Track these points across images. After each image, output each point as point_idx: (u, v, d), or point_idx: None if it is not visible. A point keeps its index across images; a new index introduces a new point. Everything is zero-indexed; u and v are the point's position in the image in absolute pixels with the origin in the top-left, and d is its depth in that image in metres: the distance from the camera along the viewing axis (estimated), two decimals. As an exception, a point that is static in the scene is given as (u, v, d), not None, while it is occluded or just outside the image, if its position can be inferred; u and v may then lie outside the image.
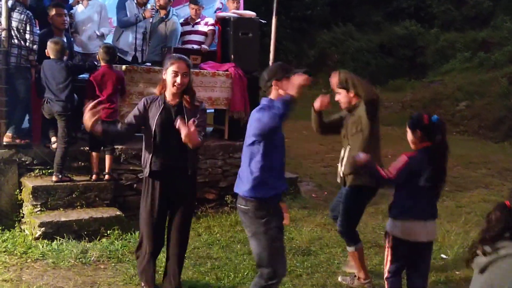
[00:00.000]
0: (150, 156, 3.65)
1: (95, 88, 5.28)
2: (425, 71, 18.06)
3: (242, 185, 3.28)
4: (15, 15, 5.36)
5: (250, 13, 7.16)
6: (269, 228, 3.24)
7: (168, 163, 3.66)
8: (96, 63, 5.98)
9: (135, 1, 6.94)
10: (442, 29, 19.53)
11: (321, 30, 20.94)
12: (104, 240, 4.93)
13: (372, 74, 18.49)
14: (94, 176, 5.41)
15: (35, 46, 5.54)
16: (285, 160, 3.40)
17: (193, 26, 7.22)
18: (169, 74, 3.58)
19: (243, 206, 3.29)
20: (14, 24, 5.34)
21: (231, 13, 7.10)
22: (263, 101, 3.31)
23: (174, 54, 3.84)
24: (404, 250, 3.60)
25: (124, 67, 5.98)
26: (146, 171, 3.68)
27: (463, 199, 7.37)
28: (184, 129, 3.29)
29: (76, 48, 6.49)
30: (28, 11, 5.50)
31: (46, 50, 5.31)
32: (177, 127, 3.35)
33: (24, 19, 5.40)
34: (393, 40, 19.49)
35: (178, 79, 3.56)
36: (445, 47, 18.39)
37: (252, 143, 3.21)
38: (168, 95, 3.66)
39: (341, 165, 4.26)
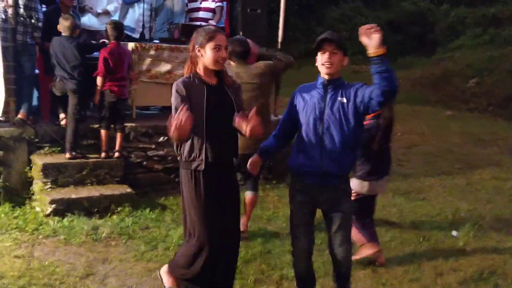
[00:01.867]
0: (203, 145, 3.10)
1: (109, 65, 5.24)
2: (434, 48, 17.84)
3: None
4: None
5: (259, -11, 7.05)
6: None
7: (222, 152, 3.17)
8: (104, 40, 5.95)
9: (140, -23, 6.88)
10: (452, 5, 19.24)
11: (329, 7, 20.69)
12: (114, 217, 4.95)
13: (380, 51, 18.32)
14: (103, 154, 5.41)
15: (39, 24, 5.51)
16: None
17: (200, 3, 7.13)
18: (210, 49, 3.07)
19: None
20: (19, 1, 5.28)
21: (239, -12, 7.00)
22: None
23: (207, 27, 3.33)
24: (370, 204, 4.35)
25: (132, 44, 5.93)
26: (200, 164, 3.11)
27: (474, 176, 7.33)
28: (248, 121, 2.95)
29: (83, 25, 6.43)
30: None
31: (58, 26, 5.25)
32: (236, 124, 3.04)
33: None
34: (402, 17, 19.24)
35: (223, 53, 3.14)
36: (455, 23, 18.14)
37: None
38: (205, 74, 3.17)
39: None
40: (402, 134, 9.79)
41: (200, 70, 3.17)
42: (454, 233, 5.05)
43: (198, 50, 3.12)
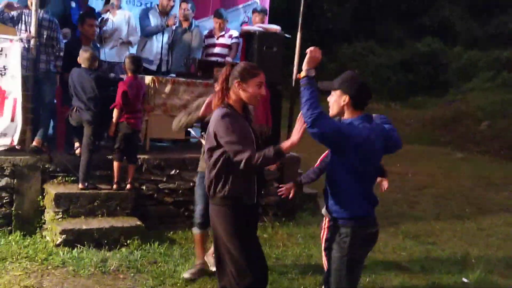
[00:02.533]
0: (252, 177, 3.15)
1: (127, 97, 5.33)
2: (446, 89, 17.93)
3: None
4: (44, 22, 5.45)
5: (275, 27, 7.18)
6: None
7: (261, 185, 3.26)
8: (122, 72, 6.08)
9: (158, 11, 7.03)
10: (465, 47, 19.42)
11: (342, 44, 20.96)
12: (123, 249, 4.95)
13: (392, 90, 18.44)
14: (115, 186, 5.44)
15: (61, 53, 5.66)
16: None
17: (217, 39, 7.26)
18: (253, 85, 3.13)
19: None
20: (43, 31, 5.43)
21: (256, 27, 7.13)
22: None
23: (251, 63, 3.43)
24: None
25: (149, 78, 6.05)
26: (250, 198, 3.14)
27: (485, 221, 7.27)
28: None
29: (103, 57, 6.56)
30: (55, 19, 5.61)
31: (78, 58, 5.38)
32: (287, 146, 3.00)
33: (53, 27, 5.51)
34: (415, 57, 19.42)
35: (263, 91, 3.22)
36: (468, 65, 18.27)
37: None
38: (236, 106, 3.19)
39: None
40: (412, 175, 9.76)
41: (232, 102, 3.18)
42: (464, 279, 4.98)
43: (239, 84, 3.14)
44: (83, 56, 5.36)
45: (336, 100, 3.10)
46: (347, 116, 3.09)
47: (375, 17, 21.53)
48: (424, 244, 6.11)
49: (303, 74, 3.05)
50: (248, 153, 2.97)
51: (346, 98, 3.05)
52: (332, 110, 3.13)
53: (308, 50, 3.06)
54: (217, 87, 3.31)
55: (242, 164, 2.97)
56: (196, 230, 4.51)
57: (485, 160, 12.35)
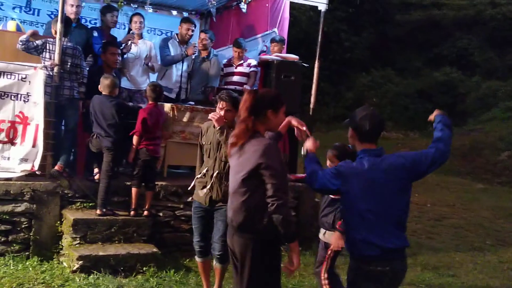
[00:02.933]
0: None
1: (147, 125, 5.39)
2: (465, 119, 17.79)
3: None
4: (68, 50, 5.58)
5: (293, 57, 7.25)
6: None
7: None
8: (141, 100, 6.18)
9: (177, 40, 7.15)
10: (484, 77, 19.31)
11: (359, 73, 21.03)
12: (139, 276, 4.93)
13: (410, 119, 18.35)
14: (132, 212, 5.47)
15: (84, 80, 5.79)
16: None
17: (235, 68, 7.35)
18: (282, 113, 3.22)
19: None
20: (67, 59, 5.56)
21: (274, 55, 7.21)
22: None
23: (276, 91, 3.51)
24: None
25: (169, 105, 6.13)
26: None
27: (506, 254, 7.11)
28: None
29: (123, 85, 6.67)
30: (78, 47, 5.76)
31: (99, 86, 5.49)
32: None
33: (76, 54, 5.65)
34: (433, 86, 19.35)
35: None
36: (487, 95, 18.14)
37: None
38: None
39: None
40: (431, 205, 9.64)
41: (262, 131, 3.19)
42: (486, 315, 4.86)
43: (272, 113, 3.14)
44: (104, 83, 5.46)
45: (351, 136, 3.18)
46: (357, 149, 3.16)
47: (393, 46, 21.61)
48: (443, 276, 5.98)
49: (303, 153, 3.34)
50: (284, 200, 2.99)
51: (350, 131, 3.15)
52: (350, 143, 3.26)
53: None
54: (242, 115, 3.16)
55: (273, 207, 2.96)
56: (198, 258, 4.56)
57: (505, 191, 12.15)
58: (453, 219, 8.96)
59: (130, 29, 7.14)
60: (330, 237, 4.27)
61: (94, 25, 7.52)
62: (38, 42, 5.51)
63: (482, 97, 18.20)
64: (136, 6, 8.24)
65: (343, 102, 20.67)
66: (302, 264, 5.75)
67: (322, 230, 4.43)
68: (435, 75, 19.70)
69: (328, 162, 4.22)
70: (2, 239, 5.16)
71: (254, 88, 7.29)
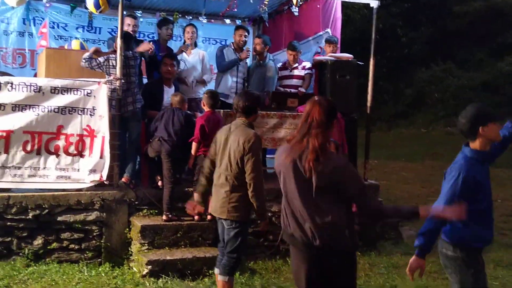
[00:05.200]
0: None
1: (205, 131, 5.52)
2: (535, 109, 16.92)
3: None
4: (131, 62, 5.85)
5: (348, 56, 7.20)
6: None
7: None
8: (198, 108, 6.35)
9: (233, 48, 7.26)
10: (554, 65, 18.32)
11: (419, 69, 20.49)
12: (206, 279, 5.04)
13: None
14: (197, 217, 5.60)
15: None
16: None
17: (290, 71, 7.38)
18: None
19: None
20: (130, 71, 5.82)
21: (328, 56, 7.19)
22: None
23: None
24: None
25: (222, 111, 6.23)
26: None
27: None
28: None
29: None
30: (140, 57, 6.10)
31: (170, 103, 5.94)
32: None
33: (138, 64, 5.98)
34: (498, 77, 18.52)
35: None
36: (558, 83, 17.19)
37: None
38: None
39: None
40: (502, 201, 9.21)
41: None
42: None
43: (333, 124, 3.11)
44: (175, 100, 5.84)
45: None
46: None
47: (452, 39, 20.89)
48: (518, 273, 5.72)
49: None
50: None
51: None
52: None
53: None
54: (318, 125, 3.00)
55: (373, 214, 3.14)
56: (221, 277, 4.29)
57: None
58: (526, 214, 8.53)
59: (185, 41, 7.33)
60: None
61: (152, 39, 7.78)
62: (101, 59, 5.78)
63: (552, 85, 17.26)
64: (191, 17, 8.46)
65: (403, 99, 20.21)
66: (367, 264, 5.74)
67: None
68: (500, 65, 18.85)
69: None
70: (76, 247, 5.44)
71: (309, 91, 7.28)
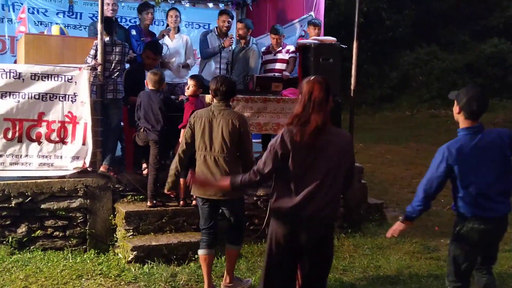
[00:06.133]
0: None
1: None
2: (517, 91, 17.12)
3: None
4: (118, 48, 5.74)
5: (331, 39, 7.17)
6: None
7: None
8: (182, 93, 6.27)
9: (216, 33, 7.20)
10: (535, 46, 18.50)
11: (403, 52, 20.55)
12: (192, 264, 5.06)
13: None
14: (181, 202, 5.60)
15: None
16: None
17: (274, 55, 7.34)
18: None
19: None
20: (117, 56, 5.72)
21: (311, 39, 7.17)
22: None
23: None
24: None
25: (209, 96, 6.18)
26: None
27: None
28: None
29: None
30: (126, 43, 5.93)
31: (146, 81, 5.66)
32: None
33: (126, 51, 5.82)
34: (481, 59, 18.67)
35: None
36: (539, 64, 17.37)
37: None
38: None
39: None
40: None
41: None
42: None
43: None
44: (153, 79, 5.59)
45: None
46: (460, 125, 3.54)
47: (436, 21, 20.95)
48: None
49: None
50: None
51: (457, 108, 3.52)
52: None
53: None
54: (320, 102, 3.20)
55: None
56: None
57: None
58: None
59: (168, 25, 7.25)
60: None
61: (133, 24, 7.69)
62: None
63: (534, 67, 17.44)
64: (173, 1, 8.38)
65: (388, 82, 20.27)
66: (351, 246, 5.80)
67: None
68: (483, 47, 18.99)
69: None
70: (60, 234, 5.41)
71: (293, 75, 7.27)
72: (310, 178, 3.18)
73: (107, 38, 5.67)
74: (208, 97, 6.21)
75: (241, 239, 4.60)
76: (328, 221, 3.33)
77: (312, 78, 3.29)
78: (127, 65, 6.20)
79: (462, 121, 3.50)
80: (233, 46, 7.39)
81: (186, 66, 7.16)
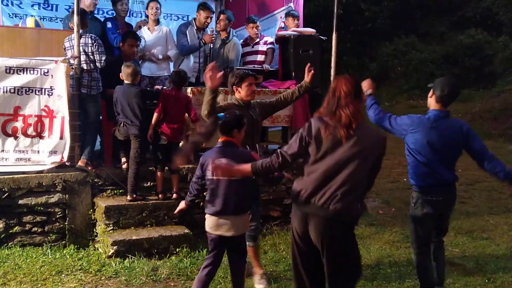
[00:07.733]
0: None
1: (166, 103, 5.48)
2: (494, 81, 17.34)
3: None
4: (82, 40, 5.58)
5: (310, 30, 7.18)
6: None
7: None
8: (157, 87, 6.21)
9: (195, 27, 7.11)
10: (511, 36, 18.73)
11: (382, 43, 20.66)
12: (173, 257, 5.04)
13: (437, 85, 17.97)
14: (160, 196, 5.57)
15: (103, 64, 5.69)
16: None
17: (252, 47, 7.32)
18: None
19: None
20: (82, 49, 5.57)
21: (291, 31, 7.16)
22: None
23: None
24: None
25: (189, 89, 6.14)
26: None
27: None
28: None
29: (144, 72, 6.72)
30: (91, 34, 5.77)
31: (120, 74, 5.55)
32: None
33: (91, 42, 5.60)
34: (459, 50, 18.87)
35: None
36: (515, 55, 17.61)
37: None
38: None
39: None
40: (462, 170, 9.45)
41: None
42: (522, 274, 4.80)
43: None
44: (126, 72, 5.50)
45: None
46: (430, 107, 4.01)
47: (415, 12, 21.11)
48: (477, 239, 5.93)
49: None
50: None
51: (431, 92, 4.01)
52: None
53: None
54: (346, 96, 3.22)
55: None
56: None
57: (539, 152, 11.85)
58: (485, 182, 8.79)
59: (147, 16, 7.14)
60: None
61: (110, 16, 7.58)
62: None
63: (510, 57, 17.64)
64: (152, -8, 8.24)
65: (368, 73, 20.33)
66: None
67: None
68: (460, 38, 19.19)
69: None
70: (39, 230, 5.34)
71: (274, 67, 7.24)
72: (329, 169, 3.15)
73: (83, 32, 5.58)
74: (188, 89, 6.18)
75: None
76: (342, 214, 3.15)
77: (340, 76, 3.37)
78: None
79: (433, 105, 3.97)
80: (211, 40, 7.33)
81: (167, 58, 7.07)
